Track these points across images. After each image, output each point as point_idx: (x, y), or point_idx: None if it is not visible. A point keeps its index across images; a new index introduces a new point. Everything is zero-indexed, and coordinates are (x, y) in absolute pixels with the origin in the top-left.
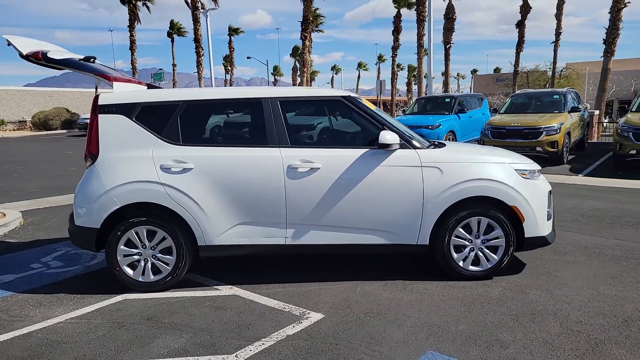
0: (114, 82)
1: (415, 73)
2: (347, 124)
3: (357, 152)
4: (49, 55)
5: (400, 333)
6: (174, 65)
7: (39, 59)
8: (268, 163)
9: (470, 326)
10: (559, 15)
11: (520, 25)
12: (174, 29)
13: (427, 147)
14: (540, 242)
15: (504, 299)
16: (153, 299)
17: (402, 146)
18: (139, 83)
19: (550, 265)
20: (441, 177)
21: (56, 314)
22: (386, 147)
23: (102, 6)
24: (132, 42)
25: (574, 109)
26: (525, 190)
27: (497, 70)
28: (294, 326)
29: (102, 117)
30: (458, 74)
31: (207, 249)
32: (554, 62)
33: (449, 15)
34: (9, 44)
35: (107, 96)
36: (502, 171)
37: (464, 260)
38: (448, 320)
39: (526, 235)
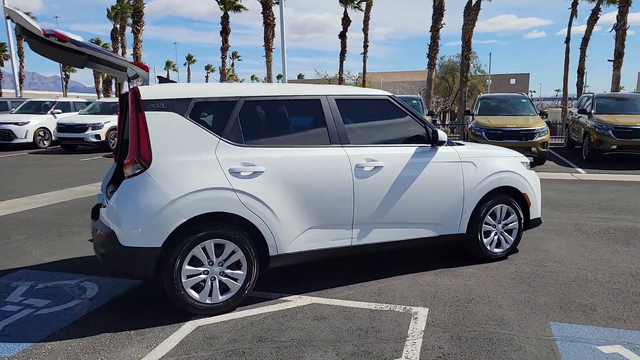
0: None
1: (231, 73)
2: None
3: (411, 150)
4: (72, 37)
5: (511, 312)
6: None
7: (64, 40)
8: (337, 162)
9: (549, 298)
10: (365, 30)
11: (343, 36)
12: None
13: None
14: (538, 222)
15: (539, 273)
16: (231, 320)
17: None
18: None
19: (530, 242)
20: (476, 170)
21: (135, 356)
22: (441, 144)
23: None
24: None
25: (430, 113)
26: (530, 179)
27: (300, 76)
28: (416, 322)
29: (150, 115)
30: (265, 78)
31: (278, 258)
32: (364, 71)
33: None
34: (8, 17)
35: (150, 90)
36: (516, 164)
37: (490, 244)
38: (527, 295)
39: (530, 218)
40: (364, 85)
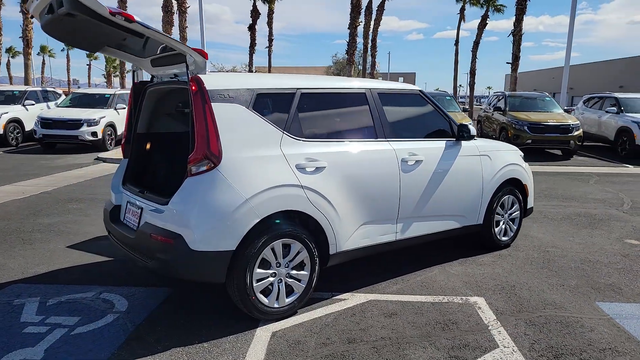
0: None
1: (114, 65)
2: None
3: (442, 144)
4: (137, 19)
5: (556, 296)
6: None
7: (131, 19)
8: (386, 157)
9: (576, 280)
10: (270, 23)
11: (252, 29)
12: None
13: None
14: (531, 211)
15: (548, 258)
16: (303, 323)
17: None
18: None
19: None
20: (491, 163)
21: None
22: (472, 139)
23: None
24: None
25: None
26: (528, 171)
27: None
28: (482, 312)
29: (217, 107)
30: None
31: (337, 256)
32: (269, 65)
33: (168, 8)
34: None
35: (213, 80)
36: (518, 156)
37: (499, 233)
38: (557, 279)
39: (527, 207)
40: None
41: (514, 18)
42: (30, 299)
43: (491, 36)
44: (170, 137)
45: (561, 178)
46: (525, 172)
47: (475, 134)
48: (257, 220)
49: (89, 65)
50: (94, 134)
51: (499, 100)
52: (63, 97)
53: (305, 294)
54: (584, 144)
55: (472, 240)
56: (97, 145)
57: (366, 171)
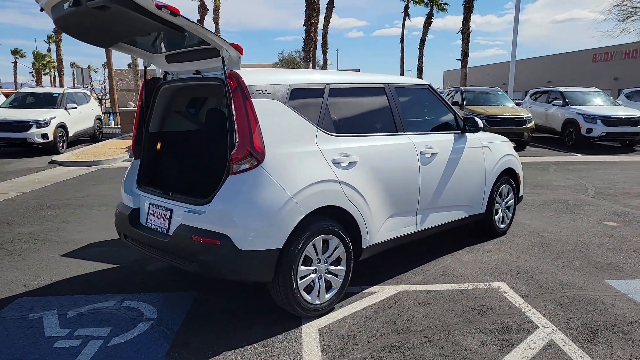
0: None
1: (44, 62)
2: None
3: (450, 136)
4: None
5: (569, 277)
6: None
7: (177, 13)
8: (408, 150)
9: (579, 261)
10: (216, 19)
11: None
12: None
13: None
14: (521, 199)
15: (545, 242)
16: (345, 318)
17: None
18: None
19: None
20: (491, 154)
21: None
22: (479, 131)
23: None
24: None
25: None
26: (519, 161)
27: (129, 65)
28: (509, 296)
29: (258, 103)
30: (89, 66)
31: (368, 249)
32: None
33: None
34: None
35: (251, 75)
36: (511, 147)
37: (498, 221)
38: (562, 262)
39: (519, 195)
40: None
41: (456, 17)
42: (47, 312)
43: (427, 34)
44: (188, 135)
45: (523, 167)
46: (518, 161)
47: (482, 126)
48: (302, 217)
49: (15, 62)
50: (45, 135)
51: (455, 94)
52: (2, 97)
53: (342, 289)
54: (533, 135)
55: (468, 229)
56: (48, 148)
57: (392, 164)
